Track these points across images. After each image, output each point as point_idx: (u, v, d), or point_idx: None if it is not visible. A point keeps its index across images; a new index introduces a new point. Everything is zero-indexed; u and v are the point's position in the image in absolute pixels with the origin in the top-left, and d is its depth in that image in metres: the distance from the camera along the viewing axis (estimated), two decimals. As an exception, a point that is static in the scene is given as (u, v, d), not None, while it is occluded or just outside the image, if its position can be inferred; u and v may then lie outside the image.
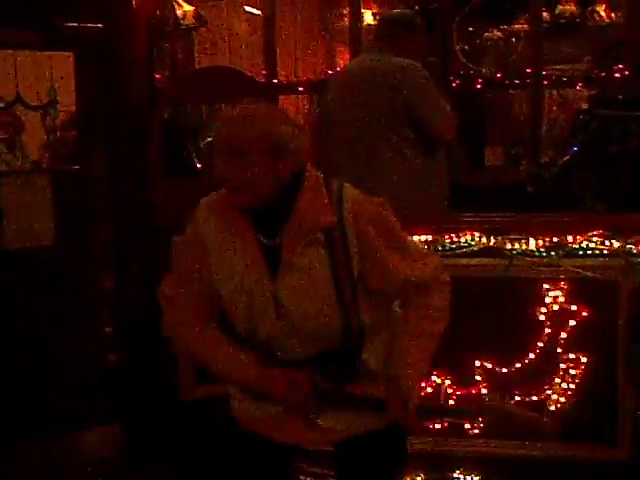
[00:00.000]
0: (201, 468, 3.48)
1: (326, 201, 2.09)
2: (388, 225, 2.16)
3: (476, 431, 3.40)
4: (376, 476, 2.27)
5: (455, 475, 3.31)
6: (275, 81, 5.54)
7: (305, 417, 2.17)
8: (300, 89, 5.80)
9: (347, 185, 2.16)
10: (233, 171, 2.03)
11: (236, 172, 2.03)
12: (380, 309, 2.21)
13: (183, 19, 4.68)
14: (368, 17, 6.40)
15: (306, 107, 6.34)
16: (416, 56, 3.98)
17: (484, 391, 3.37)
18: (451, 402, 3.40)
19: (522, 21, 6.17)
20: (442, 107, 3.86)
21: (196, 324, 2.21)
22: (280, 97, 5.63)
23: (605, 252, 3.29)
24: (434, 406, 3.27)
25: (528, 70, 5.19)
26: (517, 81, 5.37)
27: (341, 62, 6.77)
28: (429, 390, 3.37)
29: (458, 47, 5.56)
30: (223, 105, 4.72)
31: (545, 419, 3.29)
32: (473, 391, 3.39)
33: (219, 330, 2.22)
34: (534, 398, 3.35)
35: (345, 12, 6.38)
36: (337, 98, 4.01)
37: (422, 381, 2.09)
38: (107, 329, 4.14)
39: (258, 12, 5.94)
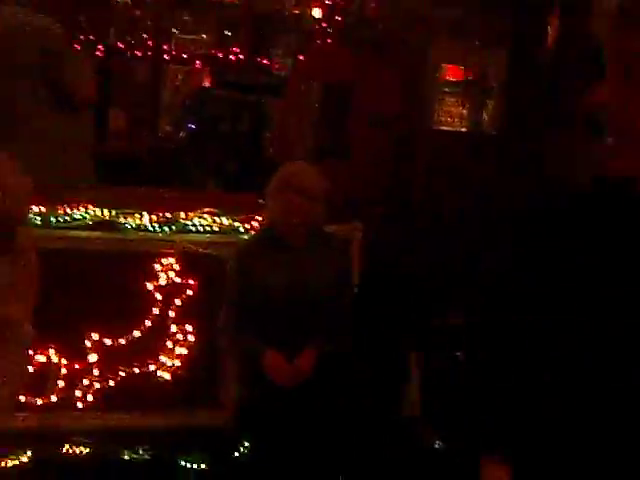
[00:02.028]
0: None
1: None
2: None
3: (88, 404, 3.42)
4: None
5: (64, 450, 3.29)
6: None
7: None
8: None
9: None
10: None
11: None
12: None
13: None
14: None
15: None
16: (59, 12, 3.87)
17: (96, 364, 3.40)
18: (63, 373, 3.38)
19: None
20: (86, 71, 3.81)
21: None
22: None
23: (215, 229, 3.47)
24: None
25: (150, 43, 5.24)
26: (139, 53, 5.40)
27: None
28: (40, 363, 3.33)
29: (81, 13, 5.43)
30: None
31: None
32: (86, 364, 3.40)
33: None
34: (149, 368, 3.46)
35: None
36: None
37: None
38: None
39: None
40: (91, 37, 5.31)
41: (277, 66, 5.48)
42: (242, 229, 3.51)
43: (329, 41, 5.05)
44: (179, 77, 6.76)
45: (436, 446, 3.36)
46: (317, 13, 5.99)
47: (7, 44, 3.70)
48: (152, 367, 3.46)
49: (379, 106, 4.28)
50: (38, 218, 3.31)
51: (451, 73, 4.68)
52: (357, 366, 3.25)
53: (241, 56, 5.24)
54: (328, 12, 5.47)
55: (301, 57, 4.89)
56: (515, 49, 4.63)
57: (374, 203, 3.93)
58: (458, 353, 3.41)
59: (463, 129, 4.76)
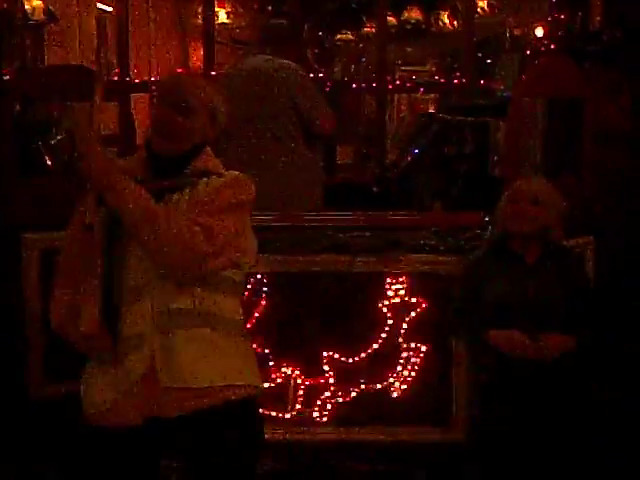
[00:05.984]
0: (52, 468, 3.47)
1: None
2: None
3: (324, 419, 3.58)
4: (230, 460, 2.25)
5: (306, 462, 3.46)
6: (127, 79, 5.54)
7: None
8: (153, 88, 5.79)
9: None
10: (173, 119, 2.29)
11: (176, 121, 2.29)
12: None
13: (32, 14, 4.63)
14: (222, 15, 6.51)
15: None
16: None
17: (331, 381, 3.55)
18: (301, 389, 3.56)
19: (370, 25, 6.44)
20: (324, 105, 4.11)
21: None
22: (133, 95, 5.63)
23: (441, 248, 3.51)
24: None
25: (374, 75, 5.40)
26: (364, 85, 5.58)
27: (195, 60, 6.83)
28: (279, 380, 3.53)
29: (309, 51, 5.74)
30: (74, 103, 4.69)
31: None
32: (321, 381, 3.56)
33: None
34: (378, 386, 3.56)
35: (199, 10, 6.45)
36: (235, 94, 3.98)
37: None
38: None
39: (110, 9, 5.92)
40: (320, 74, 5.57)
41: (500, 87, 5.47)
42: (467, 247, 3.52)
43: (553, 57, 4.94)
44: (402, 107, 6.94)
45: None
46: (539, 32, 5.91)
47: (263, 88, 4.05)
48: (384, 384, 3.56)
49: (608, 120, 4.15)
50: (277, 243, 3.52)
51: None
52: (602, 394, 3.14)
53: (464, 80, 5.27)
54: (550, 29, 5.37)
55: (524, 76, 4.84)
56: None
57: (608, 219, 3.81)
58: None
59: None
